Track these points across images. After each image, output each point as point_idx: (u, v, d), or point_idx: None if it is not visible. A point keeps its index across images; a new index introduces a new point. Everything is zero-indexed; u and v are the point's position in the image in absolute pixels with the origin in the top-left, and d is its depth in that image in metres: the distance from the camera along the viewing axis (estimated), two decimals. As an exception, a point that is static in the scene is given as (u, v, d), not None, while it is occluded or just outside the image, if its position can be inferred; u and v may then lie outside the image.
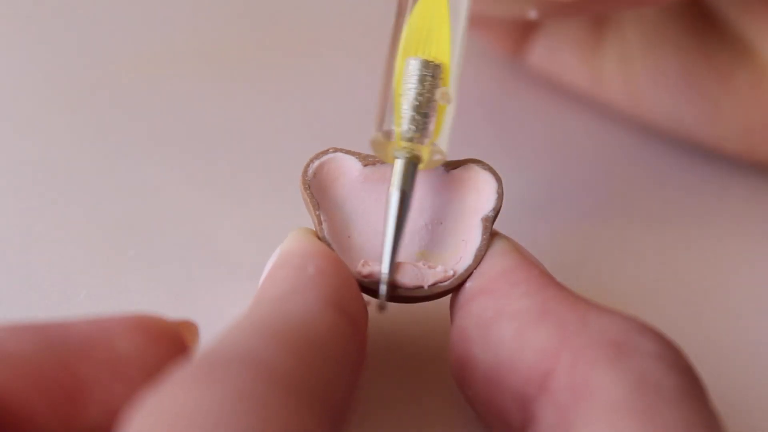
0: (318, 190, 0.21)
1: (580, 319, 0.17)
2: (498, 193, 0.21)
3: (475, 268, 0.20)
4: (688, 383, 0.16)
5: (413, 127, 0.20)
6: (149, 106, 0.30)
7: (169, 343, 0.17)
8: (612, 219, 0.27)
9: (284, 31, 0.34)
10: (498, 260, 0.20)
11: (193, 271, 0.24)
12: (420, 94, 0.20)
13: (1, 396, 0.15)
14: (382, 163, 0.21)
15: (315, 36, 0.34)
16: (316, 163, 0.21)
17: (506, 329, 0.18)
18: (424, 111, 0.20)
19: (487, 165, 0.21)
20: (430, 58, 0.21)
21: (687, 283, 0.25)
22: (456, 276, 0.20)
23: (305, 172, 0.21)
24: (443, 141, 0.21)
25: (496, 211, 0.21)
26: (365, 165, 0.21)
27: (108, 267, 0.24)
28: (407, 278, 0.20)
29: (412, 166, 0.20)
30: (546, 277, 0.19)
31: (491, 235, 0.21)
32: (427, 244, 0.21)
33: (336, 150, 0.21)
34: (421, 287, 0.20)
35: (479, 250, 0.20)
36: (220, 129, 0.30)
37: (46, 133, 0.29)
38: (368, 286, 0.20)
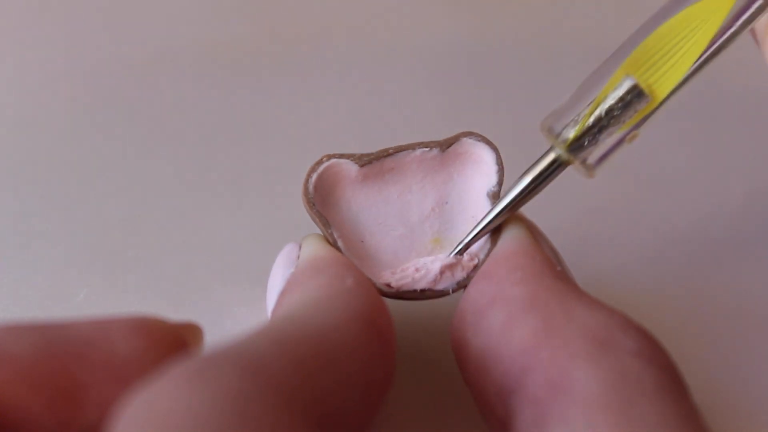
0: (322, 204, 0.21)
1: (566, 313, 0.17)
2: (498, 164, 0.21)
3: (492, 249, 0.20)
4: (667, 379, 0.16)
5: (584, 142, 0.19)
6: (149, 106, 0.30)
7: (171, 345, 0.16)
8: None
9: (286, 31, 0.34)
10: (504, 243, 0.20)
11: (193, 272, 0.24)
12: (611, 116, 0.19)
13: (-2, 396, 0.15)
14: (378, 159, 0.21)
15: (316, 36, 0.34)
16: (314, 176, 0.21)
17: (496, 317, 0.18)
18: (602, 133, 0.19)
19: (481, 136, 0.21)
20: (646, 85, 0.19)
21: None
22: (480, 262, 0.20)
23: (306, 190, 0.21)
24: (598, 165, 0.20)
25: (500, 183, 0.21)
26: (361, 165, 0.21)
27: (108, 267, 0.24)
28: (439, 284, 0.20)
29: (558, 167, 0.20)
30: (546, 265, 0.19)
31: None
32: (438, 229, 0.21)
33: (330, 157, 0.21)
34: (451, 286, 0.20)
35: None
36: (221, 129, 0.30)
37: (46, 133, 0.29)
38: (401, 296, 0.20)
